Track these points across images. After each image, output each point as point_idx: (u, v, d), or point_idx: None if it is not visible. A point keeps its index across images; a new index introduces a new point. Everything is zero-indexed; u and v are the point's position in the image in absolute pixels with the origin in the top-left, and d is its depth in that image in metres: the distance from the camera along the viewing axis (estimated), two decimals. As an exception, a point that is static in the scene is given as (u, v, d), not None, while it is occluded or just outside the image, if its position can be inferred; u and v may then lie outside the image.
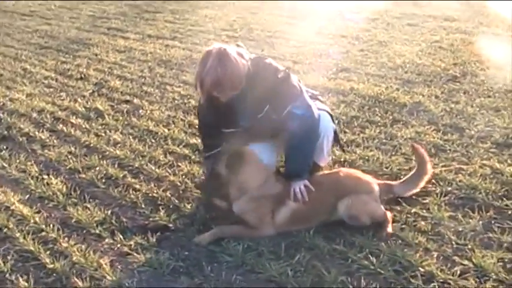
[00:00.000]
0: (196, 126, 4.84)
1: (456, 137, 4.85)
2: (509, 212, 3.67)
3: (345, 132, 5.08)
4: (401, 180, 3.89)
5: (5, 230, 3.74)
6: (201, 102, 3.91)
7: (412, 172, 3.89)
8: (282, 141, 3.86)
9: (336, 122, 5.19)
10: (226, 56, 3.47)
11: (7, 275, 3.26)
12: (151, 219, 3.80)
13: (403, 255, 3.24)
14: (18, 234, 3.65)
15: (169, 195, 4.07)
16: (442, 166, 4.31)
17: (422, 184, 3.83)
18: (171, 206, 3.95)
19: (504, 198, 3.81)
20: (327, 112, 3.98)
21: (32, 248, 3.49)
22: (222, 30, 9.88)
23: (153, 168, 4.52)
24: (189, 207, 3.91)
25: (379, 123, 5.22)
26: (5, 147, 5.18)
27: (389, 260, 3.21)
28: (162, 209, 3.90)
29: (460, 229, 3.50)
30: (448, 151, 4.59)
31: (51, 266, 3.31)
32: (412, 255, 3.23)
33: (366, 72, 6.84)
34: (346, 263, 3.22)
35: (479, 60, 7.10)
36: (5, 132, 5.56)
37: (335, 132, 4.05)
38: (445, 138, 4.83)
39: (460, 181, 4.06)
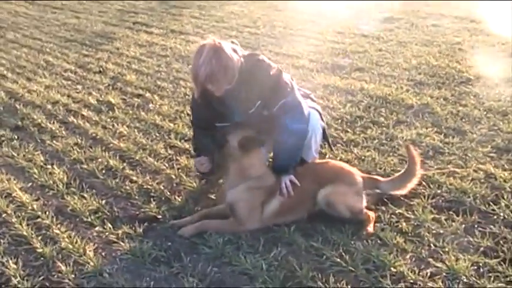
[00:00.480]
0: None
1: (457, 140, 4.88)
2: (495, 217, 3.71)
3: (347, 131, 5.16)
4: (389, 178, 3.98)
5: (4, 215, 3.98)
6: (195, 96, 4.04)
7: (401, 172, 3.97)
8: (271, 140, 3.98)
9: (339, 121, 5.33)
10: (220, 49, 3.61)
11: (-1, 258, 3.49)
12: (142, 210, 3.99)
13: (378, 254, 3.33)
14: (14, 220, 3.88)
15: (163, 188, 4.24)
16: (437, 169, 4.37)
17: (409, 185, 3.90)
18: (162, 198, 4.13)
19: (492, 203, 3.85)
20: (317, 110, 4.09)
21: (25, 233, 3.71)
22: (245, 27, 10.04)
23: (152, 161, 4.71)
24: (179, 199, 4.09)
25: (382, 124, 5.29)
26: (16, 136, 5.45)
27: (363, 258, 3.31)
28: (154, 200, 4.08)
29: (441, 231, 3.57)
30: (446, 154, 4.64)
31: (41, 250, 3.53)
32: (386, 255, 3.32)
33: (379, 73, 6.89)
34: (320, 260, 3.34)
35: (497, 63, 7.06)
36: (19, 122, 5.85)
37: (324, 131, 4.15)
38: (445, 141, 4.87)
39: (450, 184, 4.12)
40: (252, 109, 3.82)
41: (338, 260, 3.30)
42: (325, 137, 4.21)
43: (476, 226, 3.62)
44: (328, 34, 9.02)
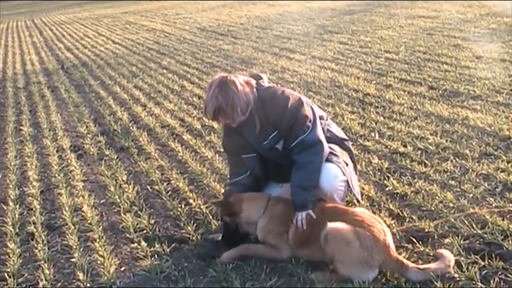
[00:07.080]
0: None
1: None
2: (528, 265, 3.47)
3: (422, 163, 5.04)
4: (420, 266, 3.48)
5: (65, 227, 4.64)
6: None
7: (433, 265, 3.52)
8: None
9: (419, 152, 5.22)
10: (226, 84, 3.89)
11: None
12: (180, 231, 4.38)
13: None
14: (70, 231, 4.51)
15: (208, 212, 4.59)
16: (495, 207, 4.15)
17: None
18: (204, 221, 4.48)
19: (532, 250, 3.60)
20: (339, 163, 4.08)
21: (71, 243, 4.32)
22: (385, 52, 10.01)
23: (215, 185, 5.09)
24: (217, 224, 4.40)
25: (464, 156, 5.07)
26: (116, 157, 6.21)
27: (352, 297, 3.34)
28: (195, 223, 4.44)
29: (455, 276, 3.42)
30: (513, 192, 4.37)
31: (74, 260, 4.09)
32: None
33: (495, 101, 6.49)
34: (309, 294, 3.45)
35: None
36: (126, 144, 6.62)
37: (348, 183, 4.10)
38: (523, 177, 4.57)
39: (497, 225, 3.89)
40: (266, 141, 4.00)
41: (325, 296, 3.37)
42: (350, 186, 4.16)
43: (499, 273, 3.41)
44: (466, 60, 8.67)
